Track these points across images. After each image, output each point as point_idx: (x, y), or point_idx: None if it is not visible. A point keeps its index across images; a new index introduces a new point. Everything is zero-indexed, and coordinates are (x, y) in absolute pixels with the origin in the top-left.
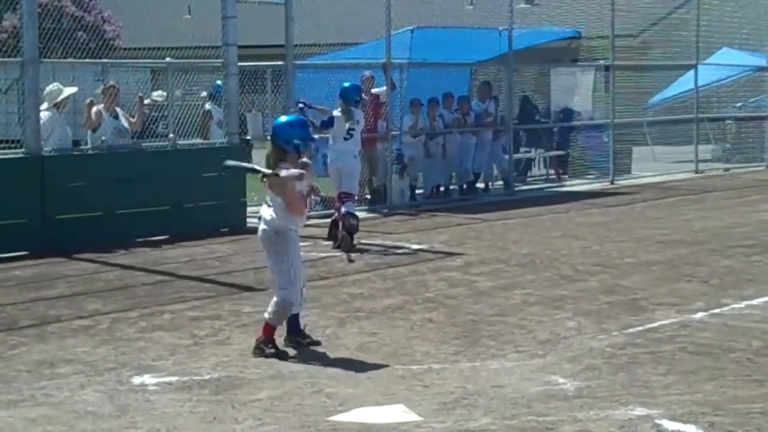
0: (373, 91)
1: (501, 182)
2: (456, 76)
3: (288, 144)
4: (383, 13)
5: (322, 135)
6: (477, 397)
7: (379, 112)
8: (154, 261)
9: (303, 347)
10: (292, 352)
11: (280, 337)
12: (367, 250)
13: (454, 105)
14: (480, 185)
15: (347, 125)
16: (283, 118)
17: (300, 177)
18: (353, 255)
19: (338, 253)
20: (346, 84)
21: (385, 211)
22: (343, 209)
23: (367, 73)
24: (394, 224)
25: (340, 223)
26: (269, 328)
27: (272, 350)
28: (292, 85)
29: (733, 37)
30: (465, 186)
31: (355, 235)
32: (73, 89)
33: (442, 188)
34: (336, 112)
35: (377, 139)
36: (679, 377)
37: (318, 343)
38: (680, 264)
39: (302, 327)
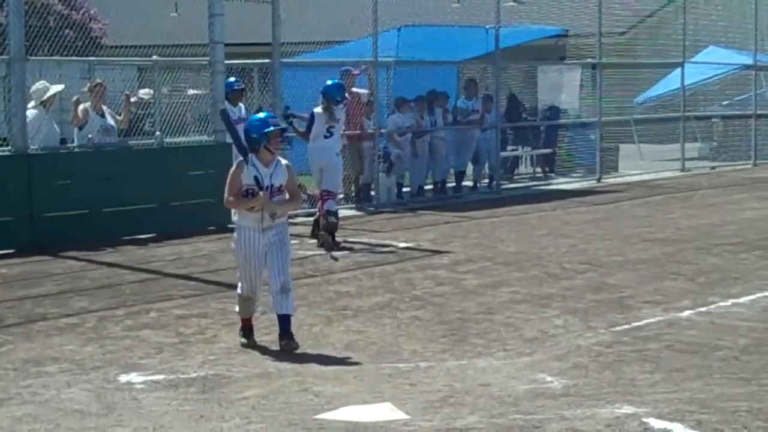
0: (354, 89)
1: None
2: (443, 75)
3: (250, 140)
4: (370, 11)
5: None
6: (464, 396)
7: (360, 111)
8: (141, 259)
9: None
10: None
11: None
12: (351, 248)
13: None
14: (468, 183)
15: (327, 124)
16: (260, 114)
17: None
18: (337, 254)
19: (323, 252)
20: (330, 82)
21: (371, 209)
22: (324, 208)
23: (352, 69)
24: (381, 222)
25: (321, 223)
26: (239, 320)
27: (243, 339)
28: (279, 84)
29: (719, 35)
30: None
31: (340, 233)
32: (59, 87)
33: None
34: (317, 109)
35: (363, 136)
36: (665, 375)
37: (296, 347)
38: (667, 262)
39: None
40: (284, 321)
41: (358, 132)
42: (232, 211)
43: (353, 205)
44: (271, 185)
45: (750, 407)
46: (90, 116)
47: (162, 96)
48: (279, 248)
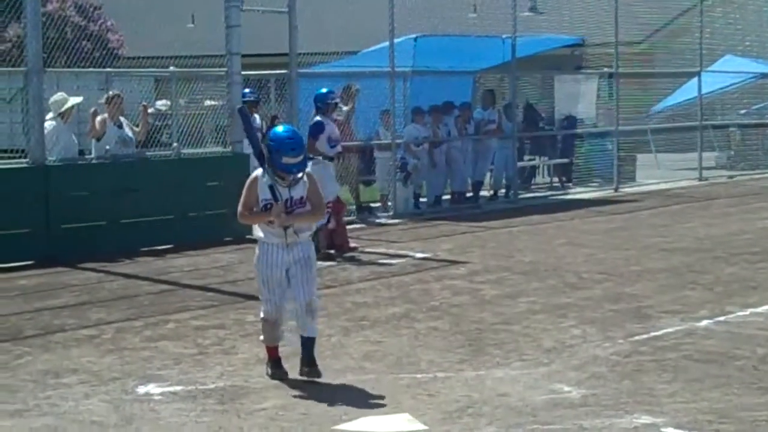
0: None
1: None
2: (459, 84)
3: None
4: (386, 21)
5: None
6: (482, 406)
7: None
8: (158, 270)
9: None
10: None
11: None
12: (368, 261)
13: (455, 113)
14: (486, 193)
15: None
16: (280, 128)
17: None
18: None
19: (336, 261)
20: (324, 90)
21: (378, 221)
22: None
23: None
24: (398, 232)
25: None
26: (265, 349)
27: (268, 371)
28: (296, 94)
29: (736, 44)
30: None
31: (359, 242)
32: (78, 99)
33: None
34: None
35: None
36: (684, 385)
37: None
38: (685, 271)
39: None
40: (308, 344)
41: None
42: (254, 225)
43: (354, 217)
44: (291, 197)
45: None
46: (108, 127)
47: (179, 107)
48: (303, 266)
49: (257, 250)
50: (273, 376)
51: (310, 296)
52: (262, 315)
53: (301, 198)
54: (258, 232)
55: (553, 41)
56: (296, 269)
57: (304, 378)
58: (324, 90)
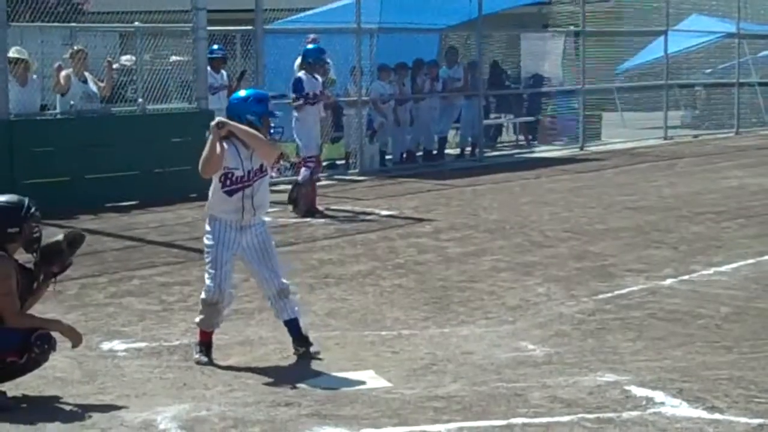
0: None
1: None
2: (425, 42)
3: (241, 121)
4: None
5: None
6: (446, 363)
7: None
8: (123, 226)
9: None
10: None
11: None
12: (333, 216)
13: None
14: (452, 151)
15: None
16: (242, 93)
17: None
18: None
19: (306, 219)
20: (309, 47)
21: (344, 178)
22: (301, 174)
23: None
24: (364, 190)
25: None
26: (198, 331)
27: (196, 356)
28: (262, 50)
29: (702, 3)
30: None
31: (323, 201)
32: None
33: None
34: (301, 74)
35: None
36: (647, 343)
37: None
38: (649, 230)
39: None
40: (292, 326)
41: None
42: (208, 203)
43: (325, 174)
44: (252, 168)
45: (731, 375)
46: (72, 83)
47: (144, 62)
48: (262, 253)
49: (207, 227)
50: (198, 362)
51: (278, 285)
52: (202, 295)
53: (261, 166)
54: (212, 206)
55: None
56: (254, 260)
57: (268, 331)
58: (313, 46)
